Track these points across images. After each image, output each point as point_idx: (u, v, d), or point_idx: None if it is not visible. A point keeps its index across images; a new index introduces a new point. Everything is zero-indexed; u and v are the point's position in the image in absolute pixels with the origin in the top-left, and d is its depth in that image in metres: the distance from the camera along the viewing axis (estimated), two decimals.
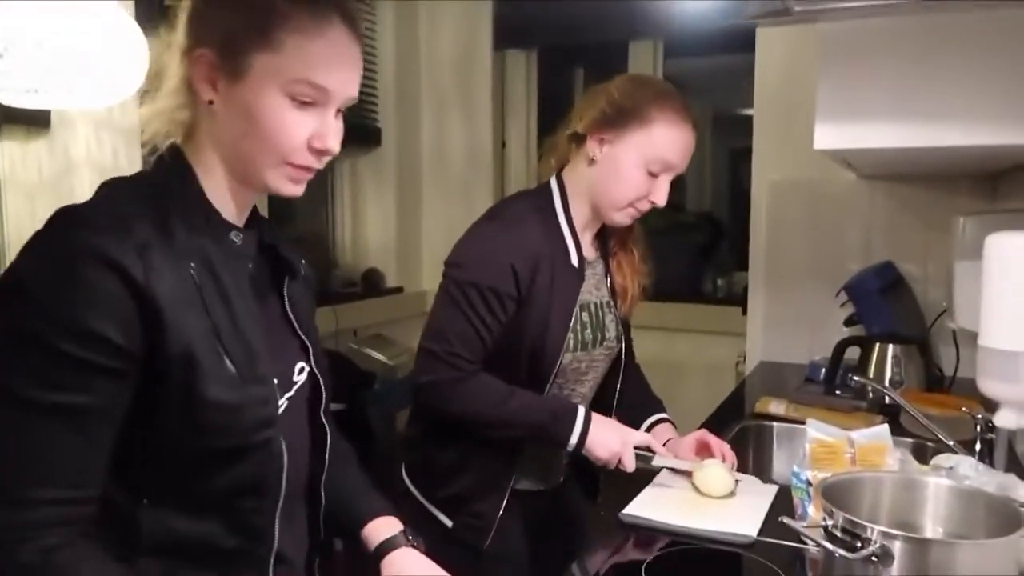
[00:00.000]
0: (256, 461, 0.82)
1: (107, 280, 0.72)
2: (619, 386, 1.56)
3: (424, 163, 3.73)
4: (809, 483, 1.21)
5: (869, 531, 0.90)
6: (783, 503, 1.32)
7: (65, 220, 0.76)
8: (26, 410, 0.72)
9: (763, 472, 1.76)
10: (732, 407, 2.01)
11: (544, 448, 1.45)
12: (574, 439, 1.36)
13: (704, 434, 1.49)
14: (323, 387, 0.97)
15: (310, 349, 0.96)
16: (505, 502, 1.42)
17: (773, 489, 1.41)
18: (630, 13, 3.55)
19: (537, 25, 3.67)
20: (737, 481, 1.39)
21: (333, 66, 0.82)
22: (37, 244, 0.75)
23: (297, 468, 0.90)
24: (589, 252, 1.47)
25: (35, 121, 1.53)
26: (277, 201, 3.56)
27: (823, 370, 2.12)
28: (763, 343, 2.53)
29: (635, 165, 1.35)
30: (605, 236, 1.51)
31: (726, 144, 4.81)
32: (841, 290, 2.26)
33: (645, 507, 1.33)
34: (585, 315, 1.44)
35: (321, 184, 3.81)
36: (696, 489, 1.39)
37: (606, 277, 1.51)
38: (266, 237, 0.92)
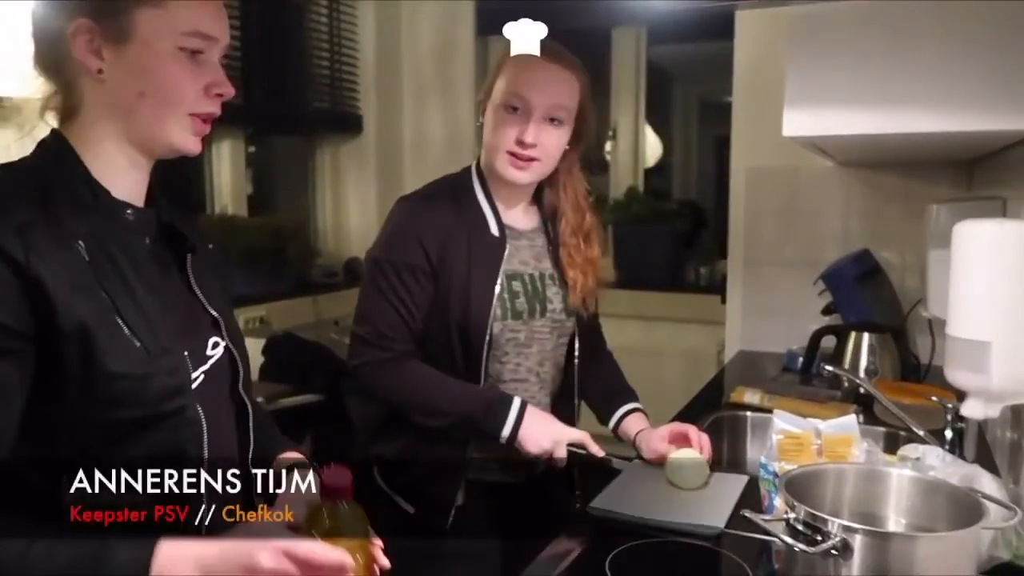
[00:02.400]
0: (170, 428, 0.84)
1: None
2: (577, 364, 1.52)
3: (405, 151, 3.70)
4: (776, 475, 1.20)
5: (830, 524, 0.89)
6: (752, 495, 1.31)
7: None
8: None
9: (737, 463, 1.75)
10: (708, 397, 2.01)
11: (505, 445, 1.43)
12: (506, 431, 1.35)
13: (681, 425, 1.48)
14: (239, 362, 0.98)
15: (222, 324, 0.96)
16: (464, 490, 1.42)
17: (743, 480, 1.40)
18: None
19: (520, 11, 3.63)
20: (710, 473, 1.38)
21: (215, 15, 0.87)
22: None
23: (222, 442, 0.91)
24: (519, 222, 1.47)
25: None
26: (258, 190, 3.54)
27: (800, 359, 2.12)
28: (742, 332, 2.52)
29: (495, 111, 1.38)
30: (555, 213, 1.50)
31: (711, 132, 4.80)
32: (819, 279, 2.25)
33: (613, 499, 1.32)
34: (516, 284, 1.42)
35: (301, 172, 3.79)
36: (669, 481, 1.38)
37: (549, 249, 1.50)
38: (164, 215, 0.94)
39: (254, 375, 2.67)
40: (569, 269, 1.48)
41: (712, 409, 1.86)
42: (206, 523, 0.87)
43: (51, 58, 0.85)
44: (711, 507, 1.28)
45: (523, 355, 1.45)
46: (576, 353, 1.52)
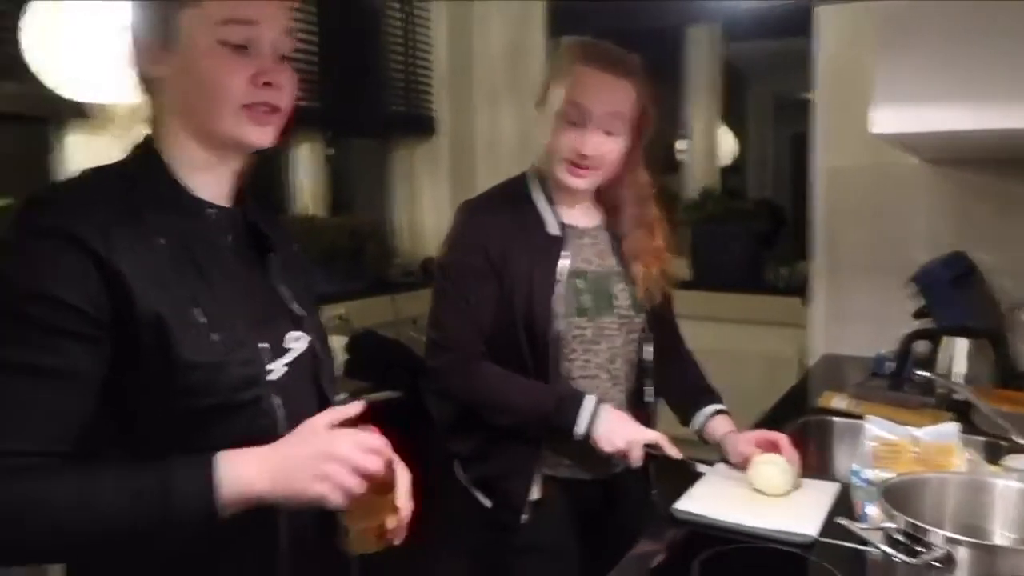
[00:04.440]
0: (248, 417, 0.87)
1: (69, 253, 0.79)
2: (651, 362, 1.52)
3: (478, 151, 3.74)
4: (870, 483, 1.17)
5: (932, 535, 0.87)
6: (845, 503, 1.28)
7: (34, 203, 0.83)
8: (3, 371, 0.78)
9: (825, 469, 1.71)
10: (793, 401, 1.96)
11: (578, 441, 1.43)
12: (580, 428, 1.36)
13: (770, 432, 1.45)
14: (321, 357, 1.01)
15: (304, 320, 0.99)
16: (541, 488, 1.43)
17: (835, 487, 1.36)
18: None
19: (592, 10, 3.62)
20: (797, 478, 1.35)
21: (252, 3, 0.87)
22: (12, 225, 0.82)
23: None
24: (580, 221, 1.49)
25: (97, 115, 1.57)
26: (336, 191, 3.62)
27: (890, 364, 2.05)
28: (826, 335, 2.45)
29: (555, 121, 1.39)
30: (619, 211, 1.50)
31: (788, 129, 4.69)
32: (910, 281, 2.17)
33: (698, 502, 1.31)
34: (580, 281, 1.44)
35: (378, 174, 3.86)
36: (754, 486, 1.35)
37: (613, 246, 1.50)
38: (249, 215, 0.98)
39: (338, 371, 2.75)
40: (633, 262, 1.48)
41: (798, 414, 1.82)
42: (283, 512, 0.90)
43: (136, 66, 0.90)
44: (801, 514, 1.25)
45: (592, 352, 1.45)
46: (650, 350, 1.52)
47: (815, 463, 1.72)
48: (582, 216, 1.50)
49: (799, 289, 2.82)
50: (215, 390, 0.84)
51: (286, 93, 0.90)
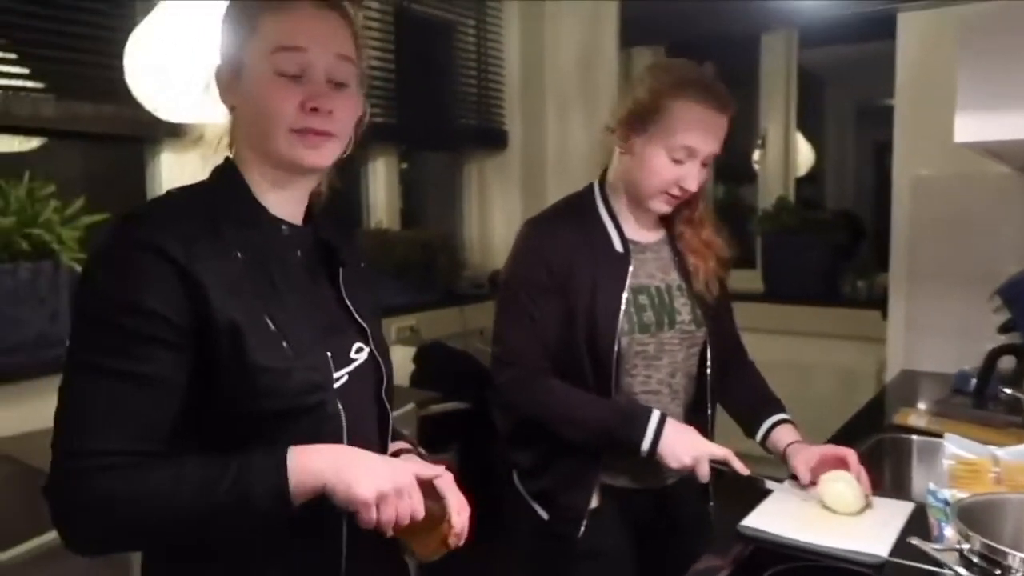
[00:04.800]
0: (313, 421, 0.91)
1: (154, 265, 0.84)
2: (709, 375, 1.50)
3: (549, 164, 3.75)
4: (947, 503, 1.12)
5: (1010, 558, 0.83)
6: (919, 523, 1.23)
7: (124, 219, 0.89)
8: (97, 376, 0.83)
9: (901, 488, 1.65)
10: (869, 418, 1.90)
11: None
12: (646, 444, 1.35)
13: (839, 448, 1.40)
14: (383, 369, 1.05)
15: (368, 333, 1.04)
16: (598, 497, 1.44)
17: (908, 507, 1.31)
18: (762, 3, 3.41)
19: (664, 20, 3.60)
20: (868, 497, 1.31)
21: (301, 31, 0.92)
22: (103, 240, 0.88)
23: (362, 440, 0.96)
24: (643, 236, 1.49)
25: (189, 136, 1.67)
26: (409, 205, 3.69)
27: (973, 381, 1.96)
28: (905, 350, 2.36)
29: (657, 155, 1.38)
30: (673, 219, 1.50)
31: (870, 137, 4.53)
32: (995, 294, 2.08)
33: (766, 519, 1.28)
34: (643, 298, 1.43)
35: (449, 187, 3.93)
36: (823, 504, 1.32)
37: (675, 260, 1.49)
38: (321, 233, 1.03)
39: (405, 382, 2.80)
40: (690, 255, 1.48)
41: (873, 431, 1.76)
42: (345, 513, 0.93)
43: (220, 96, 0.97)
44: (873, 534, 1.21)
45: (653, 367, 1.45)
46: (708, 364, 1.50)
47: (890, 482, 1.66)
48: (645, 230, 1.50)
49: (878, 302, 2.73)
50: (283, 394, 0.89)
51: (337, 118, 0.94)
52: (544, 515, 1.48)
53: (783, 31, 3.71)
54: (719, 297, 1.51)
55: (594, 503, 1.44)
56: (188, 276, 0.85)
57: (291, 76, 0.91)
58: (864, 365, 2.91)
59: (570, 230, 1.45)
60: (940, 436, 1.59)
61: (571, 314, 1.41)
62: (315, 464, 0.86)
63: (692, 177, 1.38)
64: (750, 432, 1.53)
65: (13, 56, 2.28)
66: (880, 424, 1.82)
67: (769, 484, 1.40)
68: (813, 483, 1.36)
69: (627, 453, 1.38)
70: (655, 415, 1.36)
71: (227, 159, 0.98)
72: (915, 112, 2.35)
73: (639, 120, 1.39)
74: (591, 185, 1.51)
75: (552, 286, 1.41)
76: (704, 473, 1.34)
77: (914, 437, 1.72)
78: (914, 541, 0.96)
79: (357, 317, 1.03)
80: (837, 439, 1.65)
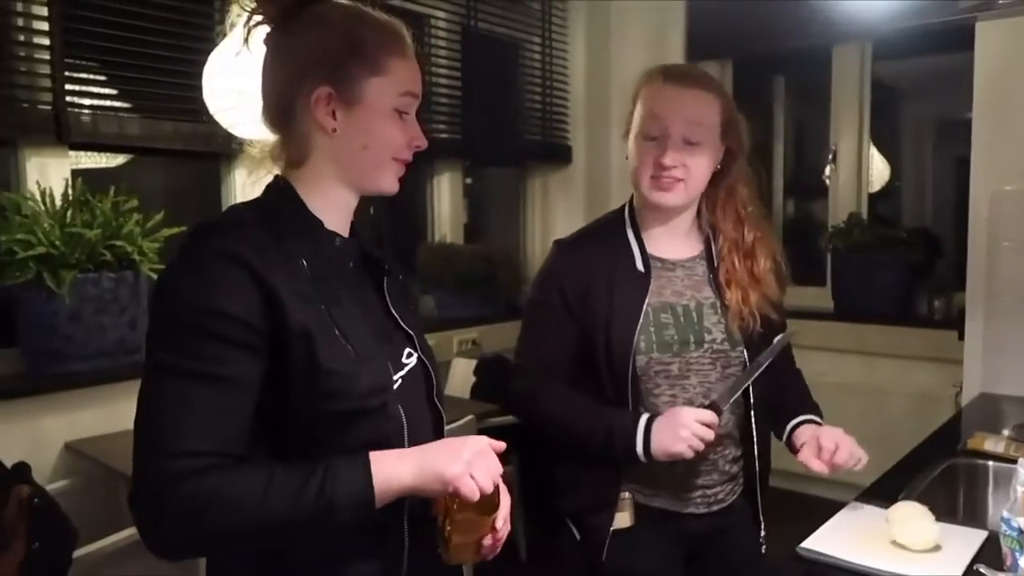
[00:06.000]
0: (376, 421, 0.95)
1: (234, 271, 0.88)
2: (753, 393, 1.44)
3: (612, 179, 3.74)
4: (1021, 531, 1.07)
5: None
6: (991, 552, 1.18)
7: (200, 230, 0.93)
8: (184, 380, 0.86)
9: (975, 516, 1.57)
10: (942, 442, 1.82)
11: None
12: (639, 447, 1.33)
13: (839, 436, 1.38)
14: (433, 373, 1.09)
15: (415, 339, 1.08)
16: (632, 517, 1.42)
17: (982, 535, 1.26)
18: (834, 15, 3.34)
19: (733, 33, 3.56)
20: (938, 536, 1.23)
21: (418, 76, 1.03)
22: (182, 248, 0.92)
23: (420, 441, 0.99)
24: (675, 253, 1.46)
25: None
26: (473, 219, 3.73)
27: None
28: (983, 372, 2.26)
29: (636, 142, 1.42)
30: (716, 236, 1.47)
31: (950, 152, 4.37)
32: None
33: (827, 542, 1.24)
34: (665, 316, 1.40)
35: (513, 202, 3.96)
36: (893, 541, 1.25)
37: (710, 277, 1.46)
38: (364, 245, 1.08)
39: (466, 394, 2.82)
40: (727, 289, 1.43)
41: (946, 455, 1.69)
42: (406, 509, 0.98)
43: (286, 116, 1.00)
44: (943, 559, 1.17)
45: (679, 387, 1.41)
46: (750, 386, 1.44)
47: (963, 509, 1.59)
48: (677, 247, 1.46)
49: (955, 322, 2.62)
50: (349, 395, 0.92)
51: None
52: (577, 534, 1.47)
53: (857, 43, 3.62)
54: (765, 324, 1.44)
55: (626, 523, 1.41)
56: (264, 283, 0.89)
57: (400, 114, 1.00)
58: (940, 387, 2.79)
59: (593, 251, 1.45)
60: (1016, 462, 1.52)
61: (588, 335, 1.41)
62: (395, 469, 0.90)
63: (666, 153, 1.37)
64: (778, 435, 1.50)
65: (102, 78, 2.42)
66: (954, 448, 1.74)
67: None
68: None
69: (629, 461, 1.36)
70: (643, 418, 1.34)
71: (277, 176, 1.02)
72: (994, 125, 2.26)
73: (628, 123, 1.46)
74: (624, 204, 1.51)
75: (566, 311, 1.42)
76: (698, 443, 1.30)
77: (991, 463, 1.64)
78: (982, 569, 0.91)
79: (403, 324, 1.08)
80: (907, 463, 1.59)
